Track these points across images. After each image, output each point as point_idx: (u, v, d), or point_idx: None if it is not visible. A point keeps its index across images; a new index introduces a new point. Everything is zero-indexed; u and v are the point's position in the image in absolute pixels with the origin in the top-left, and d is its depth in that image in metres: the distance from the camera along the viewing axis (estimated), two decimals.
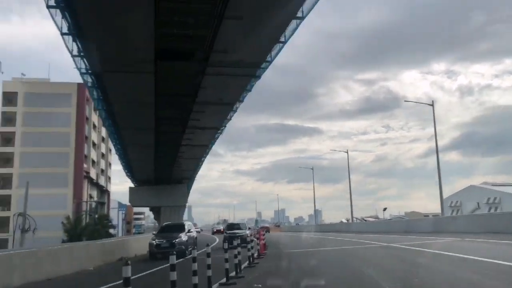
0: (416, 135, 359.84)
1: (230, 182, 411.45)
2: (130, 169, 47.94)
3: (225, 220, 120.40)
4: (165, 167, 42.01)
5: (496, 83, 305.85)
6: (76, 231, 48.04)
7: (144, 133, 29.52)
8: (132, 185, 53.23)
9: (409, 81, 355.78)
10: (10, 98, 63.75)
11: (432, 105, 32.99)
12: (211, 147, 38.70)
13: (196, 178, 58.14)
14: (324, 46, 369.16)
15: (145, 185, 52.09)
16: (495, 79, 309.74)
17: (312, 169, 65.72)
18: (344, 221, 62.35)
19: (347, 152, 50.91)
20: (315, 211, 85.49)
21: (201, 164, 51.24)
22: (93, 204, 72.82)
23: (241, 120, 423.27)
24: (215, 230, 68.38)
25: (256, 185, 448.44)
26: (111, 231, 58.32)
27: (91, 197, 71.61)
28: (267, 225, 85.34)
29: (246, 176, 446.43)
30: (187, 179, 52.87)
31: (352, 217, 53.40)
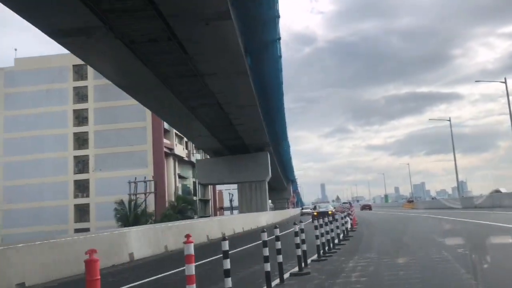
0: None
1: (362, 158, 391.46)
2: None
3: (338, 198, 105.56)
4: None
5: None
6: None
7: None
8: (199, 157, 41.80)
9: None
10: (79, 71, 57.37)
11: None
12: None
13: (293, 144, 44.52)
14: (458, 1, 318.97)
15: (217, 156, 40.26)
16: None
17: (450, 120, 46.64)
18: (504, 190, 46.80)
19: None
20: (458, 182, 63.70)
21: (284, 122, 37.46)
22: (184, 185, 64.38)
23: (369, 92, 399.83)
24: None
25: (390, 160, 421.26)
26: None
27: (180, 176, 62.88)
28: (368, 203, 79.59)
29: (379, 151, 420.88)
30: (268, 145, 39.34)
31: None
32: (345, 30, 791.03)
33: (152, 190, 45.64)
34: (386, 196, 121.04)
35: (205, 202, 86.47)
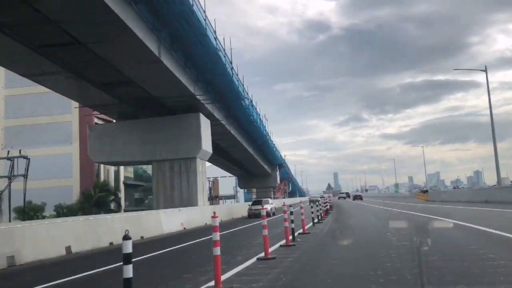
0: None
1: (376, 147, 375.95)
2: None
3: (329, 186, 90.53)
4: None
5: None
6: None
7: None
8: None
9: None
10: None
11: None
12: None
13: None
14: None
15: (121, 120, 26.61)
16: None
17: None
18: None
19: None
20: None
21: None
22: (138, 169, 51.06)
23: (384, 81, 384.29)
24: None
25: (405, 149, 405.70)
26: None
27: None
28: (359, 193, 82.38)
29: (394, 140, 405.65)
30: (200, 104, 25.45)
31: None
32: (360, 17, 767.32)
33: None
34: (396, 185, 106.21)
35: None
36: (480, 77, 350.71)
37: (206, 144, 26.49)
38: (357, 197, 66.41)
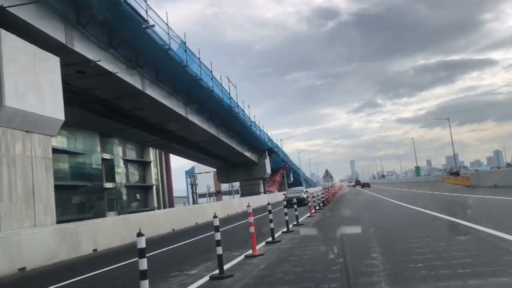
0: None
1: (392, 132, 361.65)
2: None
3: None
4: None
5: None
6: None
7: None
8: None
9: None
10: None
11: None
12: None
13: None
14: None
15: None
16: None
17: None
18: None
19: None
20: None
21: None
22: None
23: (397, 64, 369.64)
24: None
25: (421, 132, 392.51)
26: None
27: None
28: (366, 181, 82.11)
29: (410, 124, 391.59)
30: None
31: None
32: (369, 1, 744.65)
33: None
34: (417, 169, 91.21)
35: (144, 188, 59.63)
36: (496, 55, 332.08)
37: (36, 98, 12.87)
38: (365, 185, 67.62)
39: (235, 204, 30.45)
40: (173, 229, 18.42)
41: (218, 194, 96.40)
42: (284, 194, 27.68)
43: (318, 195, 23.56)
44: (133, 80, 19.96)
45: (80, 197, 42.65)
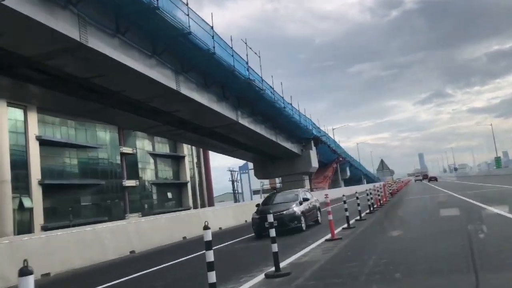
0: None
1: (464, 123, 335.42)
2: None
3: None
4: None
5: None
6: None
7: None
8: None
9: None
10: None
11: None
12: None
13: None
14: None
15: None
16: None
17: None
18: None
19: None
20: None
21: None
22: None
23: (467, 51, 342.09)
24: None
25: (496, 122, 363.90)
26: None
27: None
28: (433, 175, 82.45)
29: (483, 114, 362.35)
30: None
31: None
32: None
33: None
34: (497, 160, 77.62)
35: (178, 185, 53.81)
36: None
37: None
38: (431, 179, 66.09)
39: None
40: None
41: (273, 190, 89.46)
42: (256, 206, 14.30)
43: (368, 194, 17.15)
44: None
45: (92, 197, 37.21)
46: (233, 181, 63.72)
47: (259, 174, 46.58)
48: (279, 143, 37.32)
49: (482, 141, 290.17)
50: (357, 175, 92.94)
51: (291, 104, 36.49)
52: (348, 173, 77.33)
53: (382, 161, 27.91)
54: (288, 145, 40.10)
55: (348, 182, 76.84)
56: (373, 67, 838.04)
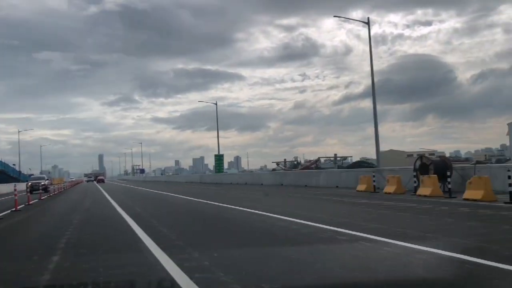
0: (332, 83, 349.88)
1: (146, 131, 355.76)
2: None
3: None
4: None
5: (407, 33, 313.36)
6: None
7: None
8: None
9: (327, 28, 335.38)
10: None
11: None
12: None
13: None
14: None
15: None
16: (407, 29, 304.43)
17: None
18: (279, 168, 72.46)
19: None
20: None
21: None
22: None
23: (158, 64, 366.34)
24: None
25: (173, 133, 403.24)
26: None
27: None
28: (101, 177, 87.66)
29: (164, 124, 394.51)
30: None
31: None
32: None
33: None
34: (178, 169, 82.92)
35: None
36: (244, 72, 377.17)
37: None
38: (99, 180, 71.63)
39: None
40: None
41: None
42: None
43: None
44: None
45: None
46: None
47: None
48: None
49: (159, 149, 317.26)
50: None
51: None
52: None
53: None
54: None
55: None
56: (64, 58, 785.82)
